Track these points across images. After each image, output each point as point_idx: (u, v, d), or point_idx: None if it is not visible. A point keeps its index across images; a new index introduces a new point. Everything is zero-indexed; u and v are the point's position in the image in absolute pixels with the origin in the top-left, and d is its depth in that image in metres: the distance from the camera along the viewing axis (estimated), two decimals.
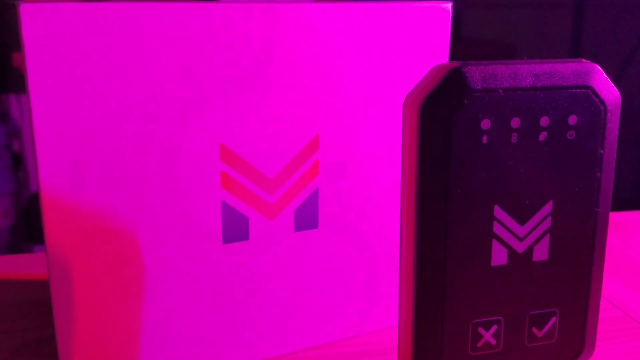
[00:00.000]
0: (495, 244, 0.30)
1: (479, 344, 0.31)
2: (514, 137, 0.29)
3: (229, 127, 0.31)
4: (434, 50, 0.35)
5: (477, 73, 0.28)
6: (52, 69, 0.27)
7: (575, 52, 1.83)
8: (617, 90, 0.30)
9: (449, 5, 0.35)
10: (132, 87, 0.29)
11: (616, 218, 0.56)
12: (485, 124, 0.28)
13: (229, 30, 0.30)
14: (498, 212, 0.29)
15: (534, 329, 0.31)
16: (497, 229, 0.29)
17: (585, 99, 0.29)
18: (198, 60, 0.30)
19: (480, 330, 0.30)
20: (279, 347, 0.35)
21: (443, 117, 0.28)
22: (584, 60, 0.30)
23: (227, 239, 0.33)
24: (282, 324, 0.35)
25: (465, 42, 1.72)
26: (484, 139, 0.28)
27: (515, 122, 0.29)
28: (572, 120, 0.29)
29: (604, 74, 0.30)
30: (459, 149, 0.28)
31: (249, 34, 0.30)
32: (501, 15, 1.80)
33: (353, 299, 0.37)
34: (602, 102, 0.30)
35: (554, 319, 0.31)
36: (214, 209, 0.32)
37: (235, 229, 0.33)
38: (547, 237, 0.30)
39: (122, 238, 0.30)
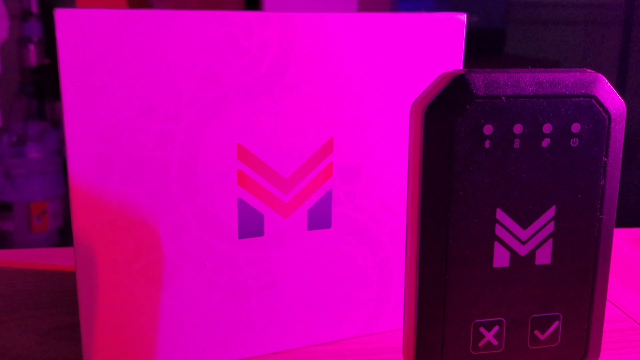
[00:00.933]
0: (497, 246, 0.31)
1: (481, 344, 0.31)
2: (517, 143, 0.30)
3: (246, 128, 0.33)
4: (448, 60, 0.36)
5: (480, 80, 0.29)
6: (83, 70, 0.29)
7: (622, 70, 1.80)
8: (621, 100, 0.31)
9: (464, 17, 0.36)
10: (157, 88, 0.31)
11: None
12: (488, 129, 0.29)
13: (247, 37, 0.32)
14: (500, 215, 0.30)
15: (537, 332, 0.32)
16: (499, 231, 0.30)
17: (589, 108, 0.30)
18: (218, 65, 0.32)
19: (482, 330, 0.31)
20: (290, 341, 0.37)
21: (446, 122, 0.29)
22: (588, 70, 0.31)
23: (242, 234, 0.35)
24: (294, 318, 0.37)
25: (508, 59, 1.71)
26: (487, 143, 0.29)
27: (517, 128, 0.29)
28: (576, 128, 0.30)
29: (609, 84, 0.31)
30: (462, 153, 0.29)
31: (267, 41, 0.32)
32: (547, 32, 1.79)
33: (365, 299, 0.38)
34: (606, 111, 0.30)
35: (556, 323, 0.32)
36: (231, 205, 0.34)
37: (250, 225, 0.35)
38: (549, 242, 0.31)
39: (144, 228, 0.32)
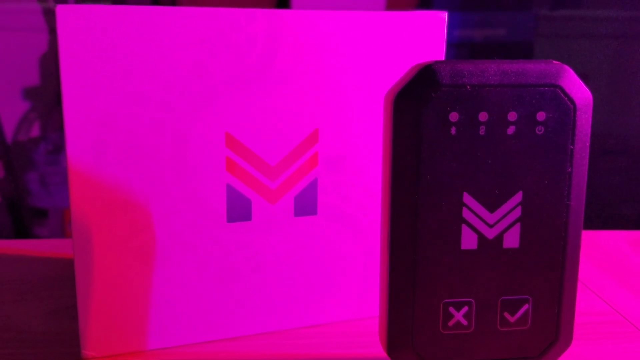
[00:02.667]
0: (464, 228, 0.32)
1: (451, 324, 0.33)
2: (482, 130, 0.31)
3: (234, 118, 0.35)
4: (430, 55, 0.38)
5: (447, 70, 0.31)
6: (82, 61, 0.32)
7: None
8: (588, 90, 0.32)
9: (445, 14, 0.38)
10: (150, 79, 0.33)
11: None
12: (454, 116, 0.31)
13: (235, 32, 0.34)
14: (467, 198, 0.32)
15: (506, 314, 0.33)
16: (466, 214, 0.32)
17: (554, 97, 0.31)
18: (208, 57, 0.34)
19: (451, 310, 0.33)
20: (277, 323, 0.39)
21: (413, 109, 0.31)
22: (554, 61, 0.32)
23: (231, 218, 0.37)
24: (281, 301, 0.38)
25: None
26: (453, 130, 0.31)
27: (483, 116, 0.31)
28: (541, 116, 0.31)
29: (575, 75, 0.32)
30: (429, 139, 0.31)
31: (254, 35, 0.35)
32: (576, 46, 1.78)
33: (350, 285, 0.40)
34: (571, 100, 0.32)
35: (526, 306, 0.33)
36: (219, 190, 0.36)
37: (238, 209, 0.37)
38: (517, 226, 0.32)
39: (138, 210, 0.35)
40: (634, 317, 0.42)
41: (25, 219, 1.51)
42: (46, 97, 1.80)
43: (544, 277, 0.33)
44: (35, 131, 1.76)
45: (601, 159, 1.79)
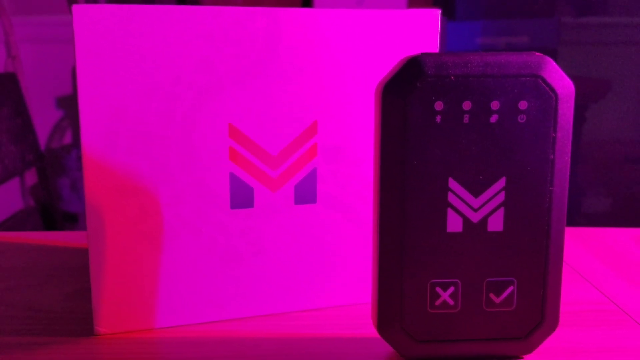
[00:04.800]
0: (450, 212, 0.34)
1: (437, 303, 0.34)
2: (466, 118, 0.33)
3: (237, 110, 0.38)
4: (424, 50, 0.40)
5: (432, 61, 0.33)
6: (96, 56, 0.35)
7: None
8: (569, 80, 0.34)
9: (438, 12, 0.40)
10: (159, 72, 0.36)
11: None
12: (439, 105, 0.33)
13: (238, 29, 0.37)
14: (452, 183, 0.33)
15: (492, 295, 0.35)
16: (451, 198, 0.34)
17: (535, 87, 0.33)
18: (212, 53, 0.37)
19: (438, 289, 0.34)
20: (278, 305, 0.41)
21: (400, 99, 0.33)
22: (537, 53, 0.34)
23: (234, 205, 0.39)
24: (282, 284, 0.40)
25: None
26: (438, 118, 0.33)
27: (466, 105, 0.33)
28: (523, 105, 0.33)
29: (556, 65, 0.33)
30: (414, 127, 0.33)
31: (255, 32, 0.37)
32: (599, 53, 1.77)
33: (348, 270, 0.41)
34: (552, 90, 0.33)
35: (511, 288, 0.35)
36: (223, 178, 0.38)
37: (241, 197, 0.39)
38: (501, 210, 0.34)
39: (147, 195, 0.37)
40: (629, 307, 0.43)
41: (57, 223, 1.56)
42: (77, 110, 1.86)
43: (528, 260, 0.34)
44: (67, 138, 1.82)
45: (628, 167, 1.78)
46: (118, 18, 0.35)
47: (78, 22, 0.34)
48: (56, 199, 1.68)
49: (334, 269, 0.41)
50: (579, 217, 1.71)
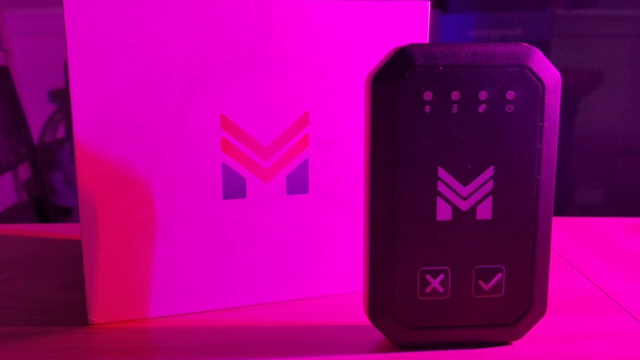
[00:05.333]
0: (439, 201, 0.34)
1: (427, 290, 0.35)
2: (455, 108, 0.33)
3: (229, 100, 0.38)
4: (413, 41, 0.40)
5: (420, 52, 0.33)
6: (87, 48, 0.35)
7: None
8: (556, 70, 0.34)
9: (427, 3, 0.40)
10: (150, 63, 0.36)
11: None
12: (427, 95, 0.33)
13: (229, 20, 0.37)
14: (442, 172, 0.34)
15: (481, 282, 0.35)
16: (441, 187, 0.34)
17: (522, 77, 0.33)
18: (205, 44, 0.37)
19: (428, 277, 0.35)
20: (271, 294, 0.41)
21: (389, 89, 0.33)
22: (524, 44, 0.34)
23: (227, 195, 0.39)
24: (275, 274, 0.41)
25: None
26: (427, 108, 0.33)
27: (455, 95, 0.33)
28: (510, 95, 0.33)
29: (543, 56, 0.34)
30: (404, 117, 0.33)
31: (247, 24, 0.37)
32: (593, 45, 1.78)
33: (340, 259, 0.42)
34: (539, 80, 0.34)
35: (500, 275, 0.35)
36: (215, 168, 0.39)
37: (234, 187, 0.39)
38: (489, 199, 0.34)
39: (140, 186, 0.38)
40: (616, 294, 0.43)
41: (50, 217, 1.56)
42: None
43: (517, 247, 0.35)
44: (60, 132, 1.82)
45: (620, 159, 1.79)
46: (109, 9, 0.35)
47: (69, 13, 0.34)
48: (50, 193, 1.68)
49: (325, 258, 0.42)
50: (571, 208, 1.72)
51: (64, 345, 0.36)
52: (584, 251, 0.52)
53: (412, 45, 0.33)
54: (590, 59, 1.74)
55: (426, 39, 0.40)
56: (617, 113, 1.80)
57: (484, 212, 0.34)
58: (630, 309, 0.41)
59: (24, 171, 1.55)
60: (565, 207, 1.70)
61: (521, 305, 0.36)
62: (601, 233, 0.57)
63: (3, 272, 0.47)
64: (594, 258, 0.50)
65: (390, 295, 0.35)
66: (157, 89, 0.37)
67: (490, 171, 0.34)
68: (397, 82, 0.33)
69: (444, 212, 0.34)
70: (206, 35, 0.37)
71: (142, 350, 0.36)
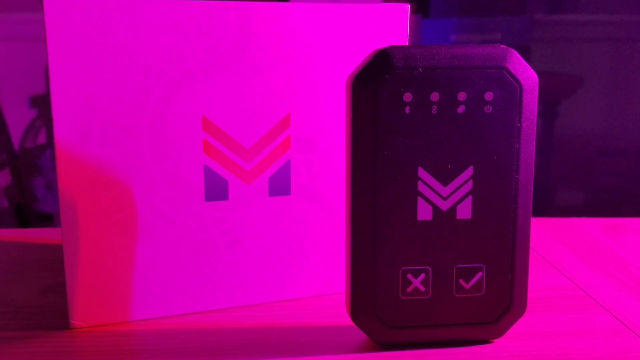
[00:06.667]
0: (420, 201, 0.34)
1: (409, 290, 0.35)
2: (434, 109, 0.34)
3: (210, 102, 0.38)
4: (393, 42, 0.41)
5: (400, 53, 0.33)
6: (67, 48, 0.35)
7: None
8: (533, 71, 0.35)
9: (407, 6, 0.41)
10: (129, 64, 0.36)
11: (618, 223, 0.58)
12: (407, 96, 0.33)
13: (209, 21, 0.37)
14: (422, 173, 0.34)
15: (461, 281, 0.36)
16: (421, 187, 0.34)
17: (500, 78, 0.34)
18: (183, 44, 0.37)
19: (410, 277, 0.35)
20: (253, 297, 0.41)
21: (369, 90, 0.33)
22: (501, 45, 0.35)
23: (209, 197, 0.39)
24: (257, 276, 0.41)
25: None
26: (407, 109, 0.34)
27: (434, 96, 0.34)
28: (489, 96, 0.34)
29: (520, 57, 0.34)
30: (384, 118, 0.34)
31: (226, 24, 0.37)
32: (572, 49, 1.80)
33: (322, 261, 0.42)
34: (517, 81, 0.34)
35: (480, 274, 0.36)
36: (197, 170, 0.39)
37: (216, 189, 0.39)
38: (469, 198, 0.35)
39: (119, 186, 0.38)
40: (594, 292, 0.44)
41: (31, 223, 1.54)
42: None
43: (496, 246, 0.35)
44: (41, 138, 1.80)
45: (599, 160, 1.81)
46: (89, 9, 0.35)
47: (49, 13, 0.34)
48: (30, 199, 1.67)
49: (308, 259, 0.42)
50: (552, 210, 1.74)
51: (46, 350, 0.36)
52: (563, 250, 0.53)
53: (392, 47, 0.33)
54: (570, 63, 1.76)
55: (406, 41, 0.41)
56: (596, 116, 1.83)
57: (464, 211, 0.35)
58: (609, 307, 0.42)
59: (5, 177, 1.54)
60: (546, 208, 1.72)
61: (501, 304, 0.36)
62: (580, 233, 0.58)
63: None
64: (573, 257, 0.51)
65: (372, 295, 0.35)
66: (136, 89, 0.37)
67: (469, 171, 0.35)
68: (377, 84, 0.33)
69: (424, 212, 0.35)
70: (185, 36, 0.37)
71: (124, 353, 0.36)
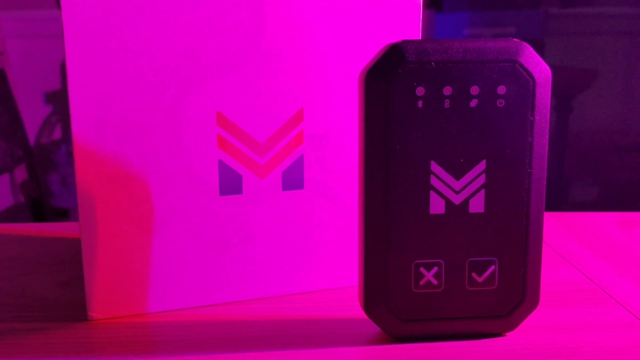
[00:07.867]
0: (432, 194, 0.35)
1: (422, 283, 0.35)
2: (447, 103, 0.34)
3: (224, 98, 0.38)
4: (406, 36, 0.41)
5: (413, 48, 0.33)
6: (84, 46, 0.35)
7: None
8: (546, 65, 0.35)
9: (420, 0, 0.41)
10: (144, 62, 0.37)
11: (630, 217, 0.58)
12: (420, 90, 0.34)
13: (222, 18, 0.37)
14: (435, 167, 0.34)
15: (474, 274, 0.36)
16: (434, 181, 0.35)
17: (513, 72, 0.34)
18: (197, 43, 0.37)
19: (422, 270, 0.35)
20: (266, 289, 0.42)
21: (382, 85, 0.33)
22: (514, 39, 0.35)
23: (223, 192, 0.40)
24: (270, 269, 0.41)
25: None
26: (420, 103, 0.34)
27: (447, 90, 0.34)
28: (501, 90, 0.34)
29: (533, 51, 0.34)
30: (397, 112, 0.34)
31: (239, 22, 0.38)
32: (587, 43, 1.79)
33: (334, 254, 0.42)
34: (530, 75, 0.34)
35: (493, 267, 0.36)
36: (212, 165, 0.39)
37: (230, 183, 0.40)
38: (482, 192, 0.35)
39: (136, 182, 0.38)
40: (608, 286, 0.44)
41: (47, 219, 1.56)
42: (67, 101, 1.86)
43: (509, 240, 0.36)
44: (57, 134, 1.82)
45: (614, 155, 1.80)
46: (106, 8, 0.36)
47: (67, 11, 0.35)
48: (46, 195, 1.68)
49: (321, 253, 0.42)
50: (566, 206, 1.73)
51: (64, 341, 0.37)
52: (576, 245, 0.53)
53: (405, 42, 0.34)
54: (584, 57, 1.75)
55: (419, 35, 0.41)
56: (611, 110, 1.81)
57: (477, 205, 0.35)
58: (622, 301, 0.42)
59: (21, 173, 1.56)
60: (561, 203, 1.71)
61: (514, 297, 0.36)
62: (594, 227, 0.58)
63: (1, 270, 0.48)
64: (586, 251, 0.51)
65: (385, 288, 0.35)
66: (151, 87, 0.37)
67: (482, 165, 0.35)
68: (390, 78, 0.33)
69: (437, 206, 0.35)
70: (198, 34, 0.37)
71: (142, 344, 0.36)
